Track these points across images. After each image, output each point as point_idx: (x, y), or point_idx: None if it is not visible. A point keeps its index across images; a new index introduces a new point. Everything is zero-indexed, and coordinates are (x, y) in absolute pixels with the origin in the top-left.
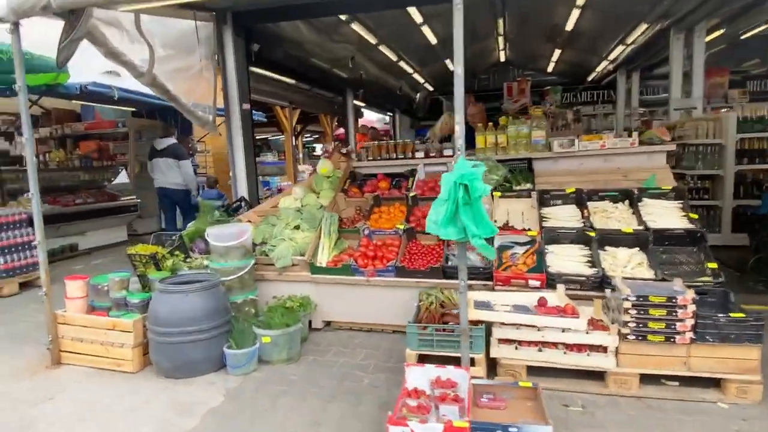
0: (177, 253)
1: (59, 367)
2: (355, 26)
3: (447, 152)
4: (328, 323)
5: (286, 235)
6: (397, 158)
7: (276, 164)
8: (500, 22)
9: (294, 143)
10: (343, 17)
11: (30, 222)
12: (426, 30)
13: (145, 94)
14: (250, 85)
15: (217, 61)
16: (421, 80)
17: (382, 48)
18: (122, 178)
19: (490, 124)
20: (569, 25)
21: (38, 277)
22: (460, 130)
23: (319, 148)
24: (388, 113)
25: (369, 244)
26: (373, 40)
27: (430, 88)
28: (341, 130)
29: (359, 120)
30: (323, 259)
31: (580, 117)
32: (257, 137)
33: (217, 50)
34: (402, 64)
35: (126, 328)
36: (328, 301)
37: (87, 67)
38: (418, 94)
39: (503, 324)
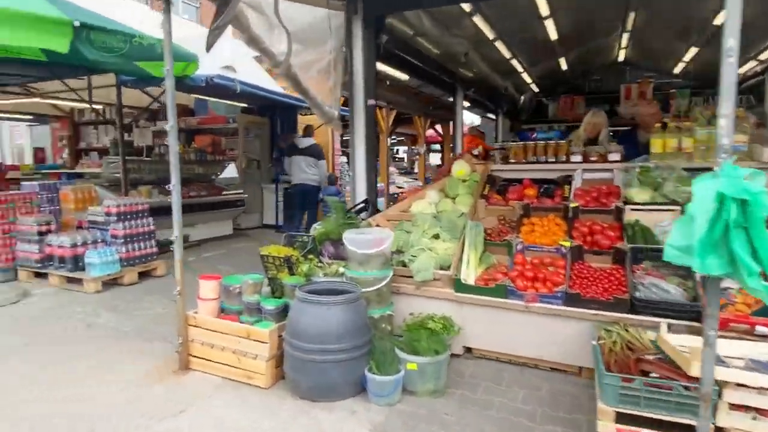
0: (311, 257)
1: (187, 373)
2: (477, 19)
3: (613, 156)
4: (468, 349)
5: (424, 245)
6: (546, 162)
7: None
8: (631, 15)
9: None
10: (466, 8)
11: (151, 212)
12: (549, 24)
13: (261, 88)
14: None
15: (345, 53)
16: (529, 80)
17: (498, 44)
18: (227, 173)
19: (672, 124)
20: (718, 19)
21: (155, 268)
22: (726, 126)
23: (401, 151)
24: (490, 115)
25: (525, 262)
26: (491, 35)
27: (536, 90)
28: (429, 132)
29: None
30: (469, 275)
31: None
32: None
33: (345, 42)
34: (513, 62)
35: (261, 338)
36: (471, 325)
37: (208, 61)
38: (523, 96)
39: (739, 385)
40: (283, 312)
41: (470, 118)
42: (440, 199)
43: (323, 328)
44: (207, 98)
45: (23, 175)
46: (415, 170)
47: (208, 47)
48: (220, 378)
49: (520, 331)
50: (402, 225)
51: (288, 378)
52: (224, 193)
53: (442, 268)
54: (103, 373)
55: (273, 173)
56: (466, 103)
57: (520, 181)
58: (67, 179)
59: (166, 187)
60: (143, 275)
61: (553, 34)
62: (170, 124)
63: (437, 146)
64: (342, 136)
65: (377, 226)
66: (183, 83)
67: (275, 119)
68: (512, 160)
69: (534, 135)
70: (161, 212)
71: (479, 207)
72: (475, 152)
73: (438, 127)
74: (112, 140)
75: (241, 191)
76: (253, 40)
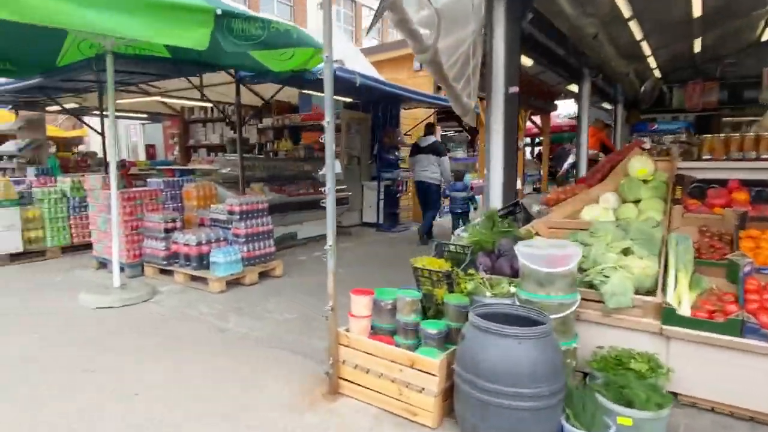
0: (471, 272)
1: (338, 398)
2: None
3: None
4: (674, 394)
5: (614, 261)
6: (758, 158)
7: (466, 161)
8: None
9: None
10: None
11: (270, 210)
12: None
13: (379, 81)
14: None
15: (484, 35)
16: (653, 65)
17: (632, 23)
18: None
19: None
20: None
21: (274, 268)
22: None
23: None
24: (607, 104)
25: (761, 289)
26: (627, 13)
27: (658, 76)
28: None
29: (551, 114)
30: (682, 303)
31: None
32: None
33: (486, 21)
34: (643, 44)
35: (429, 368)
36: (681, 365)
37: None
38: (645, 83)
39: None
40: (445, 336)
41: (567, 109)
42: (619, 203)
43: (514, 366)
44: (315, 93)
45: (140, 170)
46: None
47: (368, 30)
48: (376, 408)
49: (758, 378)
50: (576, 235)
51: (461, 419)
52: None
53: (638, 292)
54: (245, 388)
55: (373, 170)
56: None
57: (720, 182)
58: (180, 175)
59: (281, 186)
60: (262, 275)
61: (698, 10)
62: (327, 120)
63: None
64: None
65: (537, 234)
66: (300, 77)
67: (377, 115)
68: (706, 156)
69: (654, 126)
70: (274, 210)
71: (674, 214)
72: (646, 146)
73: (536, 118)
74: (228, 138)
75: (345, 189)
76: (402, 22)
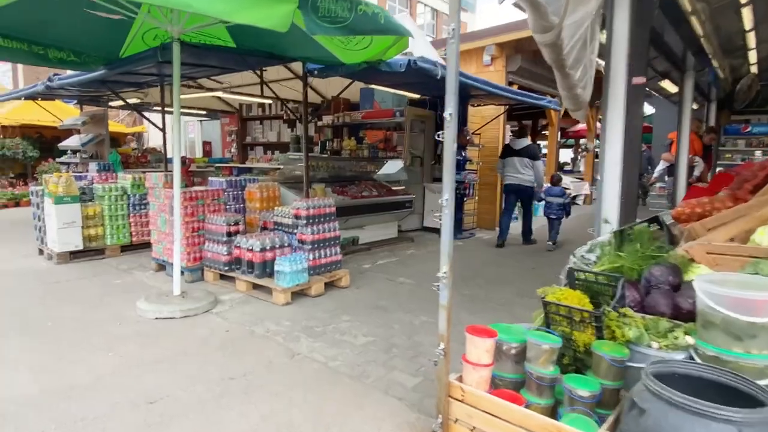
0: (625, 310)
1: None
2: None
3: None
4: None
5: None
6: None
7: None
8: None
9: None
10: None
11: (336, 215)
12: None
13: (462, 74)
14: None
15: (603, 16)
16: (753, 59)
17: (745, 10)
18: (384, 170)
19: None
20: None
21: (340, 278)
22: None
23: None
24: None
25: None
26: None
27: (755, 71)
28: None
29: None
30: None
31: None
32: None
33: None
34: (750, 35)
35: None
36: None
37: None
38: (742, 80)
39: None
40: (599, 401)
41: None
42: None
43: None
44: (381, 88)
45: (198, 168)
46: (580, 168)
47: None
48: None
49: None
50: (756, 266)
51: None
52: (396, 193)
53: None
54: None
55: (436, 171)
56: (672, 88)
57: None
58: (238, 174)
59: (342, 187)
60: (328, 286)
61: None
62: (449, 111)
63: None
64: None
65: (691, 260)
66: (373, 70)
67: (443, 112)
68: None
69: (748, 128)
70: (336, 213)
71: None
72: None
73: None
74: (292, 136)
75: (408, 191)
76: None
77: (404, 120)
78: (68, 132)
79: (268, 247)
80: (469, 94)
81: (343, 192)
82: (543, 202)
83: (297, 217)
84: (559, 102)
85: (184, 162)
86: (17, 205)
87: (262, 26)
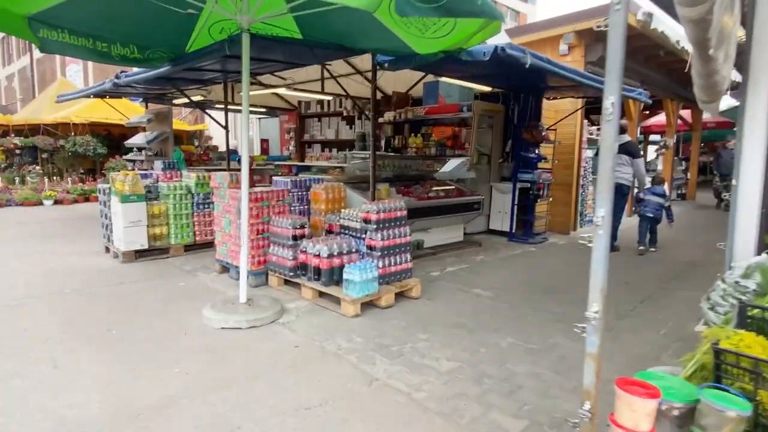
0: None
1: None
2: None
3: None
4: None
5: None
6: None
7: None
8: None
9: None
10: None
11: (407, 218)
12: None
13: (550, 61)
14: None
15: None
16: None
17: None
18: (446, 168)
19: None
20: None
21: (411, 288)
22: None
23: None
24: None
25: None
26: None
27: None
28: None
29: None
30: None
31: None
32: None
33: None
34: None
35: None
36: None
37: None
38: None
39: None
40: None
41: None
42: None
43: None
44: (449, 81)
45: (257, 165)
46: (657, 167)
47: None
48: None
49: None
50: None
51: None
52: (465, 194)
53: None
54: None
55: (505, 170)
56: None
57: None
58: (297, 172)
59: (406, 187)
60: (398, 296)
61: None
62: (611, 100)
63: (654, 137)
64: (593, 124)
65: None
66: (453, 59)
67: (513, 106)
68: None
69: None
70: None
71: None
72: None
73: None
74: (358, 134)
75: (475, 191)
76: None
77: (471, 115)
78: (135, 130)
79: (335, 253)
80: (544, 85)
81: (408, 192)
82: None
83: (366, 221)
84: (649, 94)
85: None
86: (87, 200)
87: (353, 5)
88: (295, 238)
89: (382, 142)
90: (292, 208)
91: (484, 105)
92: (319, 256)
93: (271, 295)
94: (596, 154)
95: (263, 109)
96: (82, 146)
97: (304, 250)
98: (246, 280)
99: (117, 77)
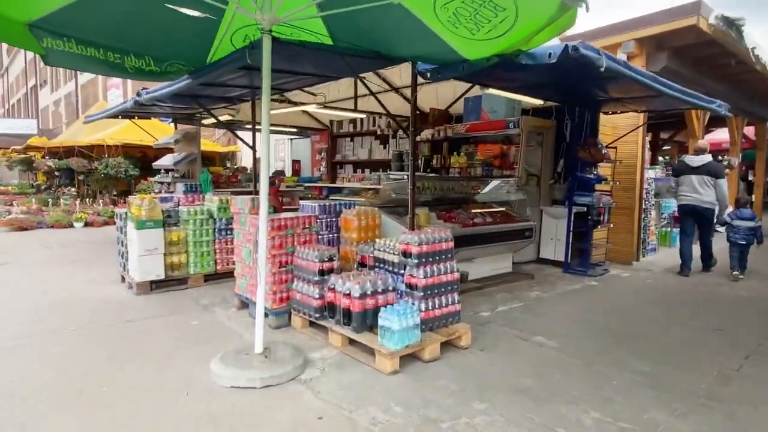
0: None
1: None
2: None
3: None
4: None
5: None
6: None
7: (659, 181)
8: None
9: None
10: None
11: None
12: None
13: (628, 65)
14: None
15: None
16: None
17: None
18: (485, 190)
19: None
20: None
21: (460, 336)
22: None
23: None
24: None
25: None
26: None
27: None
28: (715, 136)
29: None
30: None
31: None
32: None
33: None
34: None
35: None
36: None
37: None
38: None
39: None
40: None
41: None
42: None
43: None
44: (497, 93)
45: (287, 187)
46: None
47: None
48: None
49: None
50: None
51: None
52: (515, 220)
53: None
54: None
55: (556, 192)
56: None
57: None
58: (328, 194)
59: (448, 212)
60: (444, 346)
61: None
62: None
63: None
64: (659, 142)
65: None
66: (510, 64)
67: (566, 122)
68: None
69: None
70: None
71: None
72: None
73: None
74: (394, 153)
75: (527, 217)
76: None
77: (518, 132)
78: (164, 151)
79: (369, 293)
80: (606, 96)
81: (450, 218)
82: (725, 226)
83: (406, 254)
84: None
85: (273, 183)
86: None
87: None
88: (321, 272)
89: (420, 163)
90: (320, 237)
91: (534, 120)
92: (349, 295)
93: (292, 342)
94: (675, 174)
95: (294, 129)
96: (114, 168)
97: (332, 287)
98: (262, 326)
99: (138, 95)
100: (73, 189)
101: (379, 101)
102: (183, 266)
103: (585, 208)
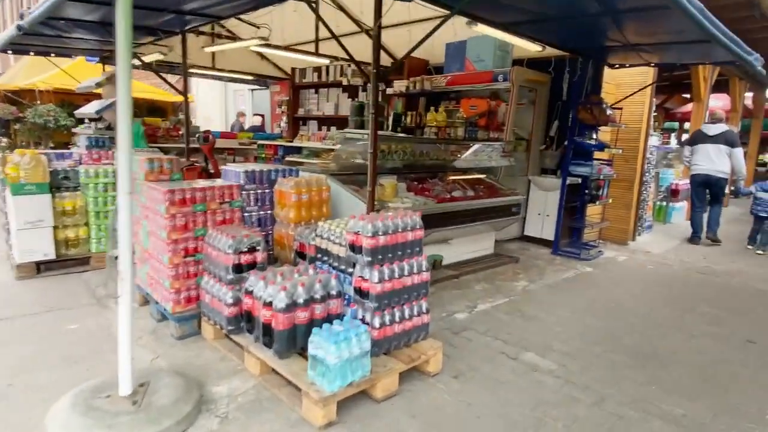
0: None
1: None
2: None
3: None
4: None
5: None
6: None
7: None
8: None
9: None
10: None
11: (422, 241)
12: None
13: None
14: None
15: None
16: None
17: None
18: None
19: None
20: None
21: (428, 359)
22: None
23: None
24: None
25: None
26: None
27: None
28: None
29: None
30: None
31: None
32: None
33: None
34: None
35: None
36: None
37: None
38: None
39: None
40: None
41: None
42: None
43: None
44: (488, 30)
45: (240, 144)
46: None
47: None
48: None
49: None
50: None
51: None
52: (501, 194)
53: None
54: None
55: (548, 160)
56: None
57: None
58: (284, 154)
59: (419, 183)
60: (406, 375)
61: None
62: None
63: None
64: (662, 104)
65: None
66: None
67: (564, 76)
68: None
69: None
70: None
71: None
72: None
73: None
74: (353, 106)
75: (513, 190)
76: None
77: (509, 87)
78: (96, 97)
79: (300, 302)
80: (621, 42)
81: (424, 191)
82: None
83: (354, 247)
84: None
85: (207, 139)
86: None
87: None
88: (238, 268)
89: (389, 120)
90: (248, 216)
91: (528, 73)
92: (271, 306)
93: (195, 364)
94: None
95: (249, 77)
96: (43, 116)
97: (249, 291)
98: (129, 357)
99: (21, 17)
100: (5, 140)
101: (339, 42)
102: (82, 243)
103: (581, 180)
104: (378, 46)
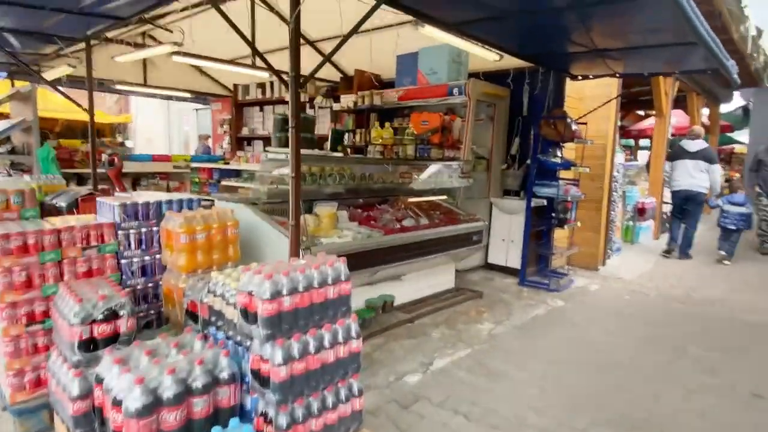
0: None
1: None
2: None
3: None
4: None
5: None
6: None
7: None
8: None
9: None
10: None
11: (349, 261)
12: None
13: None
14: None
15: None
16: None
17: None
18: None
19: None
20: None
21: None
22: None
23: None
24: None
25: None
26: None
27: None
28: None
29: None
30: None
31: None
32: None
33: None
34: None
35: None
36: None
37: None
38: None
39: None
40: None
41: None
42: None
43: None
44: (441, 36)
45: (174, 167)
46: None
47: None
48: None
49: None
50: None
51: None
52: (460, 221)
53: None
54: None
55: (510, 180)
56: None
57: None
58: (219, 177)
59: (365, 211)
60: None
61: None
62: None
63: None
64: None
65: None
66: None
67: (522, 90)
68: None
69: None
70: (358, 259)
71: None
72: None
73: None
74: (276, 118)
75: (473, 215)
76: None
77: (465, 101)
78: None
79: (168, 397)
80: (577, 47)
81: (369, 219)
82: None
83: (248, 314)
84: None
85: (112, 163)
86: None
87: None
88: (87, 345)
89: (329, 138)
90: (125, 263)
91: (485, 86)
92: (119, 405)
93: None
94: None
95: (186, 94)
96: None
97: (100, 379)
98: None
99: None
100: None
101: (260, 55)
102: None
103: (547, 201)
104: (297, 44)
